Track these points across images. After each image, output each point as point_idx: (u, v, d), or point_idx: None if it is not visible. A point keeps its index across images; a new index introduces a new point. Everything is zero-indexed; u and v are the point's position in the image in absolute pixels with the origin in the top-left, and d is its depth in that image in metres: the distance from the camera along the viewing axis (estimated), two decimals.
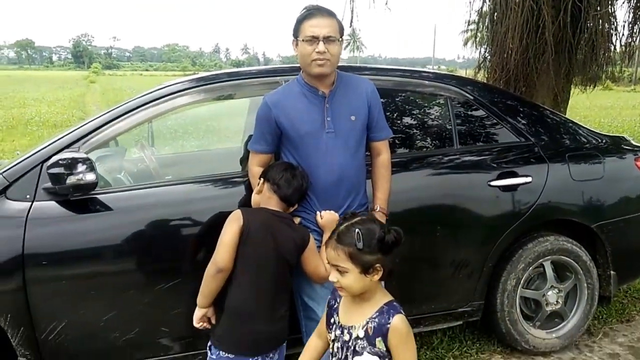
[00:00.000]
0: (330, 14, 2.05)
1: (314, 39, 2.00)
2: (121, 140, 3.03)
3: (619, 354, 2.90)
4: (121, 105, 2.46)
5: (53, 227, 2.12)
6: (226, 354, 1.90)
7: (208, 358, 1.97)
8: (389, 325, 1.54)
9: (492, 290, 2.77)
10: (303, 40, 2.03)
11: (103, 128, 2.32)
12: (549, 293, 2.85)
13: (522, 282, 2.78)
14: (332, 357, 1.68)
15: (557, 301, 2.86)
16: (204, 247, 2.19)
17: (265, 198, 2.01)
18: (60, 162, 2.02)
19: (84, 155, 2.06)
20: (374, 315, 1.57)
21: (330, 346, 1.69)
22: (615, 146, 3.12)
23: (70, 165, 2.00)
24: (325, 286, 2.12)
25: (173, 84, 2.61)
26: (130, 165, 3.08)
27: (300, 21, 2.05)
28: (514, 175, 2.70)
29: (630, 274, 3.10)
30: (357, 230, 1.54)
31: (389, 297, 1.64)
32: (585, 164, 2.90)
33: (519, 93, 5.53)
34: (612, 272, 2.94)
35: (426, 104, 2.99)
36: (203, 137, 8.46)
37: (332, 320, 1.70)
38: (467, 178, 2.69)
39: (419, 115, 2.96)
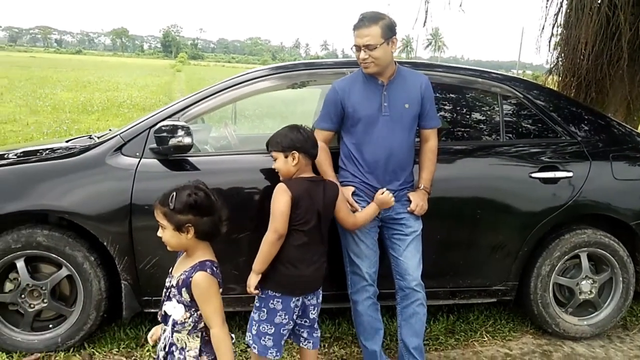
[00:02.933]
0: (373, 20, 2.36)
1: (358, 47, 2.39)
2: (207, 119, 3.55)
3: None
4: (212, 87, 2.95)
5: (154, 181, 2.63)
6: (274, 293, 2.21)
7: (257, 297, 2.27)
8: (191, 279, 1.75)
9: (527, 274, 3.02)
10: (354, 46, 2.43)
11: (197, 104, 2.83)
12: (583, 282, 3.05)
13: (556, 269, 3.01)
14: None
15: (590, 291, 3.06)
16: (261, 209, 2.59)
17: (302, 166, 2.25)
18: (164, 127, 2.53)
19: (183, 123, 2.56)
20: (188, 269, 1.78)
21: None
22: None
23: (172, 130, 2.51)
24: (370, 247, 2.50)
25: (256, 71, 3.08)
26: (214, 140, 3.58)
27: (352, 30, 2.42)
28: (555, 169, 2.93)
29: None
30: (173, 193, 1.77)
31: (207, 257, 1.83)
32: (628, 164, 3.07)
33: (589, 99, 5.56)
34: None
35: (483, 101, 3.27)
36: (276, 121, 8.98)
37: (170, 271, 1.92)
38: (510, 168, 2.95)
39: (473, 110, 3.26)
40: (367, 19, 2.37)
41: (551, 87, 5.56)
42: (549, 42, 6.10)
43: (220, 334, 1.76)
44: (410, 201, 2.51)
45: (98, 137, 3.01)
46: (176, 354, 1.81)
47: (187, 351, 1.81)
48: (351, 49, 2.48)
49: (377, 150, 2.44)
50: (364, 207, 2.47)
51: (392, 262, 2.55)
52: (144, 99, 17.31)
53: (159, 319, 1.90)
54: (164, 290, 1.88)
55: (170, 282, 1.85)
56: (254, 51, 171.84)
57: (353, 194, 2.48)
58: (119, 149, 2.67)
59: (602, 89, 5.53)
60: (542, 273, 2.99)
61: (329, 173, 2.51)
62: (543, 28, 6.09)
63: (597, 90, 5.56)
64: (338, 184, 2.43)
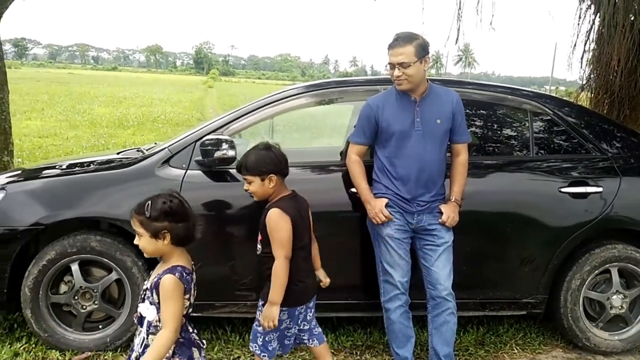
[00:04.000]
0: (407, 40, 2.50)
1: (392, 65, 2.52)
2: (244, 134, 3.73)
3: None
4: (252, 103, 3.13)
5: (200, 191, 2.81)
6: (281, 308, 2.24)
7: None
8: (159, 283, 1.84)
9: (557, 287, 3.06)
10: (388, 64, 2.56)
11: (239, 119, 3.01)
12: (614, 297, 3.07)
13: (587, 283, 3.04)
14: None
15: (621, 306, 3.08)
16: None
17: (279, 188, 2.31)
18: (210, 141, 2.72)
19: (228, 137, 2.74)
20: (160, 273, 1.87)
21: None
22: None
23: (217, 143, 2.69)
24: (403, 256, 2.60)
25: (292, 88, 3.25)
26: None
27: (387, 49, 2.56)
28: (585, 184, 2.98)
29: None
30: (148, 202, 1.87)
31: (180, 262, 1.91)
32: None
33: (622, 116, 5.55)
34: None
35: (513, 117, 3.35)
36: (311, 136, 9.15)
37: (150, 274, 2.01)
38: (540, 183, 3.02)
39: (504, 126, 3.35)
40: (402, 39, 2.51)
41: (584, 103, 5.59)
42: (582, 58, 6.12)
43: (166, 336, 1.80)
44: (441, 213, 2.61)
45: (146, 150, 3.21)
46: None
47: None
48: (385, 67, 2.62)
49: (409, 164, 2.56)
50: (398, 218, 2.59)
51: (424, 272, 2.65)
52: (177, 115, 17.73)
53: (135, 321, 1.99)
54: (141, 293, 1.97)
55: (146, 285, 1.95)
56: (283, 67, 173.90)
57: (386, 205, 2.59)
58: (167, 161, 2.86)
59: (636, 105, 5.52)
60: (572, 287, 3.03)
61: (362, 185, 2.64)
62: (575, 45, 6.12)
63: (630, 107, 5.55)
64: (370, 195, 2.59)
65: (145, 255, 1.93)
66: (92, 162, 3.22)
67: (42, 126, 12.28)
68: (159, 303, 1.86)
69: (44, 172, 3.17)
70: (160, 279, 1.85)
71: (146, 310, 1.90)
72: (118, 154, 3.38)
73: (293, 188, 2.88)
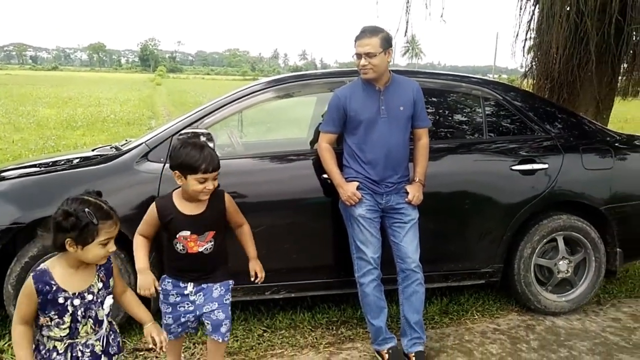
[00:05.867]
0: (373, 33, 2.71)
1: (359, 55, 2.72)
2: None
3: (620, 319, 3.42)
4: (221, 99, 3.25)
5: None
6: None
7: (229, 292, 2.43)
8: (112, 265, 1.95)
9: (511, 256, 3.37)
10: (355, 54, 2.76)
11: (212, 114, 3.13)
12: (560, 263, 3.41)
13: (537, 251, 3.37)
14: (78, 325, 1.83)
15: (567, 270, 3.42)
16: (273, 206, 3.04)
17: None
18: (188, 134, 2.83)
19: (205, 130, 2.86)
20: (98, 268, 1.90)
21: (67, 320, 1.81)
22: (629, 143, 3.64)
23: (195, 136, 2.80)
24: (374, 234, 2.82)
25: (256, 84, 3.41)
26: (219, 148, 3.87)
27: (354, 40, 2.76)
28: (533, 162, 3.30)
29: (635, 252, 3.60)
30: (105, 205, 1.83)
31: None
32: (597, 156, 3.46)
33: (562, 100, 5.99)
34: (618, 249, 3.47)
35: (465, 104, 3.63)
36: (277, 129, 9.21)
37: (60, 300, 1.78)
38: (493, 163, 3.31)
39: (457, 111, 3.63)
40: (368, 32, 2.72)
41: (527, 89, 5.99)
42: (523, 47, 6.52)
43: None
44: (407, 193, 2.84)
45: (121, 146, 3.29)
46: (111, 338, 1.95)
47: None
48: (352, 57, 2.81)
49: (377, 149, 2.77)
50: (368, 199, 2.80)
51: (393, 248, 2.87)
52: (127, 114, 17.35)
53: (91, 332, 1.88)
54: (82, 309, 1.83)
55: (91, 293, 1.86)
56: (232, 62, 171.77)
57: (357, 188, 2.80)
58: (145, 156, 2.96)
59: (573, 90, 5.94)
60: (524, 255, 3.34)
61: (334, 171, 2.84)
62: (517, 35, 6.50)
63: (568, 91, 5.98)
64: (342, 179, 2.81)
65: (104, 261, 1.89)
66: (67, 159, 3.27)
67: None
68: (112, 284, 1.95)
69: (17, 171, 3.18)
70: (110, 265, 1.93)
71: (107, 307, 1.91)
72: (93, 150, 3.43)
73: (270, 177, 3.09)
